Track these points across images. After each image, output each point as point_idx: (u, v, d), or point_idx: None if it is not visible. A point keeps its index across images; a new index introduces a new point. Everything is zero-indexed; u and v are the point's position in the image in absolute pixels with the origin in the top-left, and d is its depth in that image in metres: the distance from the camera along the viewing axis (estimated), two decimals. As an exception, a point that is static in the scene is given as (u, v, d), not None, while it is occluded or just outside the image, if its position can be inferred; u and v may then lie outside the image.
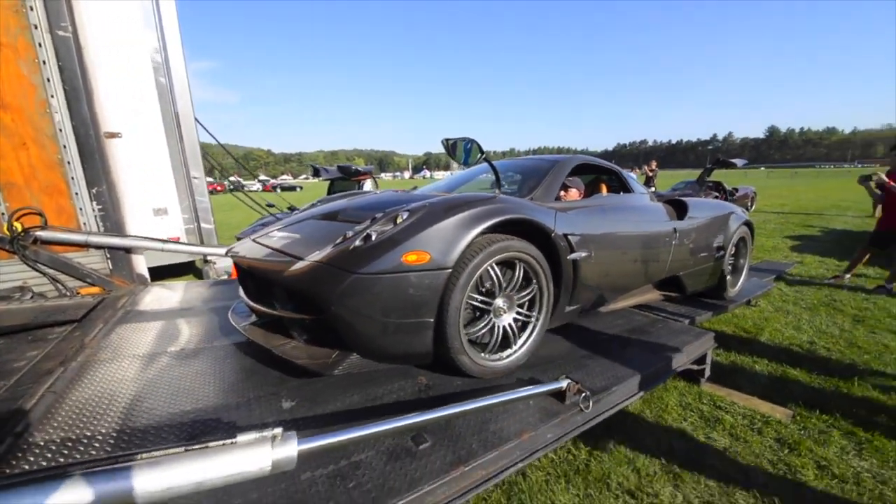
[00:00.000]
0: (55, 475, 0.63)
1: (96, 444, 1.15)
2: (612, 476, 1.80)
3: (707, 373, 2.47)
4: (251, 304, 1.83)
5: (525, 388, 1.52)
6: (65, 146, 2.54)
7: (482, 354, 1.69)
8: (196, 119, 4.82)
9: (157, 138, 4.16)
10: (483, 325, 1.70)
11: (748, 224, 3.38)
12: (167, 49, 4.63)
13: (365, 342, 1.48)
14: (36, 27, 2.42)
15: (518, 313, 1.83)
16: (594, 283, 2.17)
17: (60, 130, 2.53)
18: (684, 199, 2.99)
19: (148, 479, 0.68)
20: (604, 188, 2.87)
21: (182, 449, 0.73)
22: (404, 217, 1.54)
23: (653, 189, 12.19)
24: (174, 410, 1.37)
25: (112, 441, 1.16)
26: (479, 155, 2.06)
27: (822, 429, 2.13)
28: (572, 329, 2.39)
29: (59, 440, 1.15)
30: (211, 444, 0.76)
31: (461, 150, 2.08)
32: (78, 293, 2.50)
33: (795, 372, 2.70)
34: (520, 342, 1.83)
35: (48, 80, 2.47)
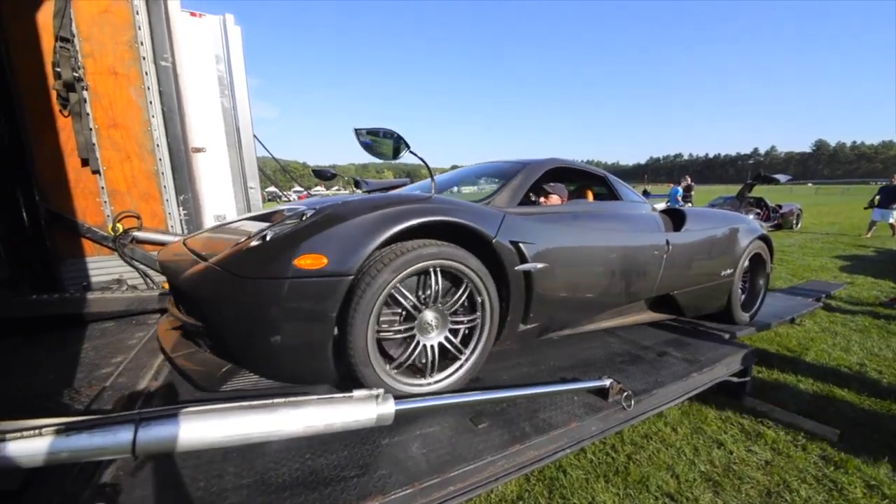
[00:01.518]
0: (217, 409, 0.85)
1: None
2: (651, 479, 1.87)
3: (748, 387, 2.48)
4: (169, 306, 1.69)
5: (570, 384, 1.65)
6: (160, 159, 2.95)
7: (413, 380, 1.47)
8: (254, 135, 5.34)
9: (223, 152, 4.63)
10: (408, 345, 1.46)
11: (764, 239, 2.99)
12: (232, 73, 5.20)
13: (251, 357, 1.31)
14: (144, 58, 2.86)
15: (453, 331, 1.58)
16: (557, 299, 1.88)
17: (157, 146, 2.94)
18: (683, 209, 2.73)
19: (288, 418, 0.89)
20: (589, 195, 2.63)
21: (315, 398, 0.93)
22: (308, 215, 1.37)
23: (689, 205, 11.90)
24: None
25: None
26: (404, 148, 1.72)
27: (873, 449, 2.11)
28: (608, 337, 2.49)
29: (188, 398, 1.41)
30: (336, 395, 0.96)
31: (382, 144, 1.72)
32: (163, 287, 2.86)
33: (843, 392, 2.65)
34: (456, 365, 1.59)
35: (150, 102, 2.89)
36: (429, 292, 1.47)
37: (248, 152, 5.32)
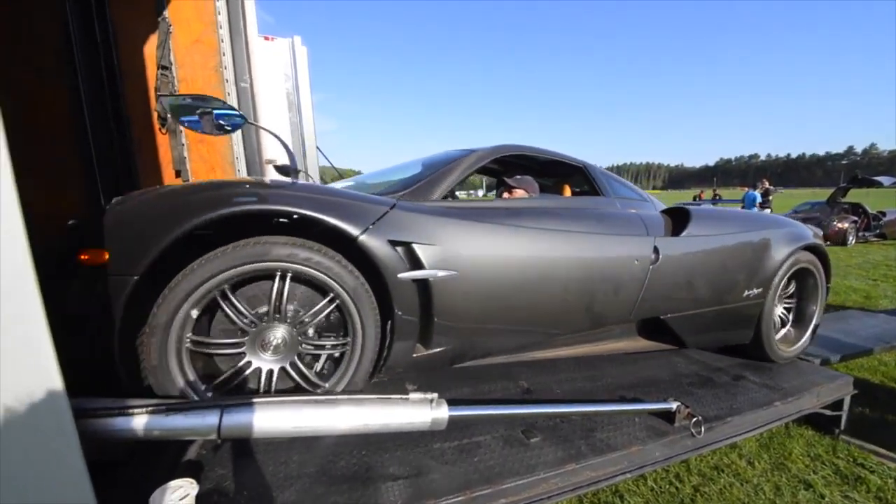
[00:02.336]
0: (287, 401, 0.91)
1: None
2: (723, 516, 1.69)
3: (843, 423, 2.16)
4: None
5: (631, 404, 1.55)
6: (238, 170, 3.27)
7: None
8: (318, 147, 5.76)
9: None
10: (235, 364, 1.21)
11: (814, 250, 2.26)
12: (299, 90, 5.68)
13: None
14: (227, 81, 3.20)
15: (308, 353, 1.30)
16: (476, 318, 1.52)
17: (237, 158, 3.27)
18: (689, 208, 2.15)
19: (349, 414, 0.93)
20: (566, 190, 2.24)
21: (374, 397, 0.97)
22: (113, 203, 1.15)
23: (768, 211, 10.69)
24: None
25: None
26: (236, 120, 1.45)
27: None
28: (675, 356, 2.30)
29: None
30: (393, 396, 0.99)
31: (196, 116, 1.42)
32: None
33: (973, 439, 2.21)
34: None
35: (231, 120, 3.23)
36: (276, 303, 1.20)
37: (311, 162, 5.73)
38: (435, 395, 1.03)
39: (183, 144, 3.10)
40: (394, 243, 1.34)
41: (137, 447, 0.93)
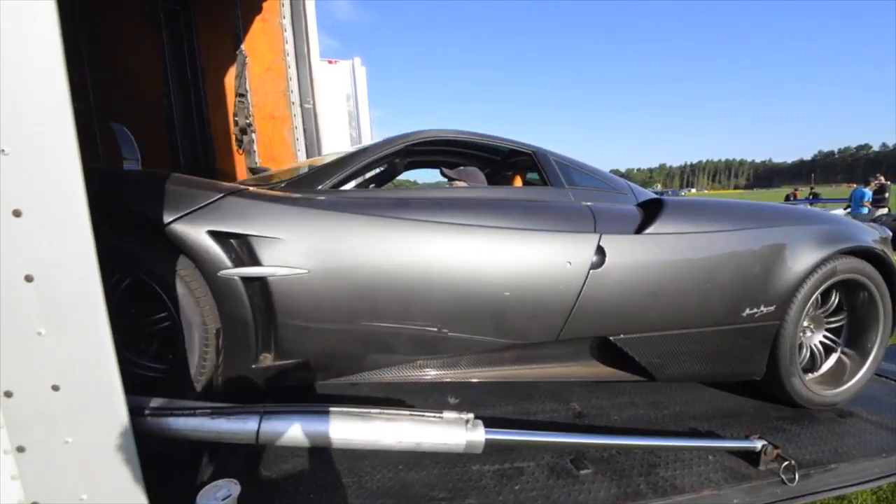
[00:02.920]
0: (319, 411, 0.92)
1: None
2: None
3: None
4: None
5: (704, 440, 1.35)
6: (301, 184, 3.55)
7: None
8: None
9: (349, 176, 5.36)
10: None
11: (868, 255, 1.69)
12: (358, 107, 6.02)
13: None
14: (294, 103, 3.48)
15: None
16: (338, 324, 1.31)
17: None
18: (667, 198, 1.70)
19: (382, 429, 0.92)
20: (517, 181, 1.93)
21: (407, 413, 0.95)
22: None
23: (882, 212, 8.90)
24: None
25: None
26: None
27: None
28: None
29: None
30: (427, 413, 0.96)
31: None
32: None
33: None
34: None
35: (297, 139, 3.50)
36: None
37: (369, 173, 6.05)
38: (471, 415, 0.98)
39: (256, 162, 3.44)
40: (218, 235, 1.16)
41: (196, 447, 1.01)
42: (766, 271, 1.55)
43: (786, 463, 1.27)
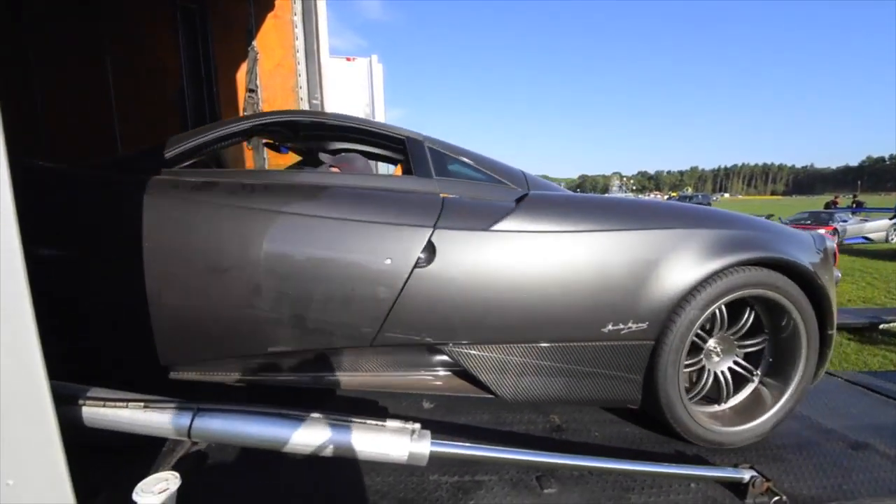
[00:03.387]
0: (266, 413, 0.89)
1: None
2: None
3: None
4: None
5: (683, 467, 1.24)
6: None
7: None
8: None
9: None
10: None
11: (790, 270, 1.42)
12: (374, 102, 6.08)
13: None
14: (302, 99, 3.52)
15: None
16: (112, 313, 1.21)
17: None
18: (535, 192, 1.50)
19: (320, 434, 0.88)
20: (399, 171, 1.84)
21: (349, 419, 0.91)
22: None
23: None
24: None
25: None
26: None
27: None
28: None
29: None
30: (369, 421, 0.92)
31: None
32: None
33: None
34: None
35: (304, 134, 3.55)
36: None
37: (382, 169, 6.10)
38: (417, 425, 0.93)
39: (265, 158, 3.50)
40: None
41: (150, 439, 1.01)
42: (638, 281, 1.32)
43: (776, 498, 1.16)
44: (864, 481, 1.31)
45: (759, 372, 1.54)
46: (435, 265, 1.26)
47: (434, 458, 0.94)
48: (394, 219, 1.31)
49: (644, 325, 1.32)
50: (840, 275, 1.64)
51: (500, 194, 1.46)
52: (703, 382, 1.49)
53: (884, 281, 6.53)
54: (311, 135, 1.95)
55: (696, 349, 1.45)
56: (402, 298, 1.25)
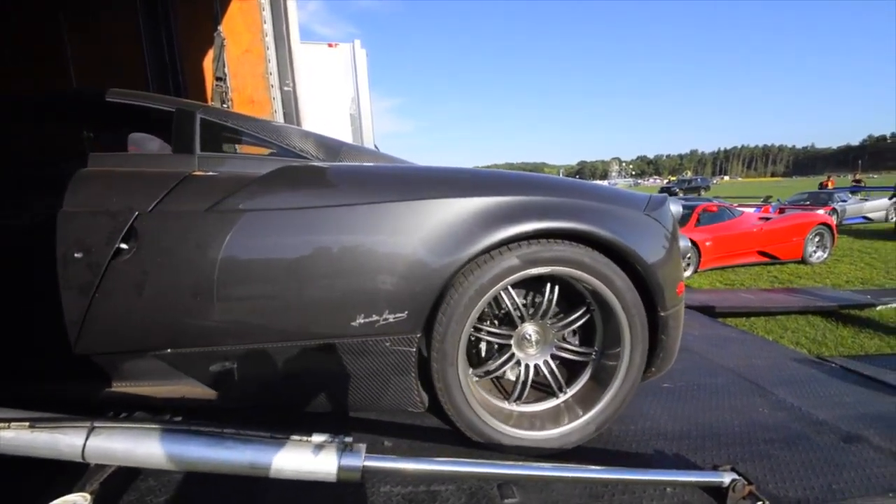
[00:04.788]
0: (177, 429, 0.78)
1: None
2: None
3: None
4: None
5: (661, 472, 1.15)
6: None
7: None
8: (375, 145, 5.96)
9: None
10: None
11: (596, 240, 1.18)
12: (358, 88, 5.93)
13: None
14: (273, 86, 3.35)
15: None
16: None
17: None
18: (291, 165, 1.27)
19: (233, 451, 0.78)
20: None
21: (266, 435, 0.80)
22: None
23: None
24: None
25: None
26: None
27: None
28: (756, 394, 1.74)
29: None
30: (293, 437, 0.81)
31: None
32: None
33: None
34: None
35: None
36: None
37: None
38: (348, 438, 0.82)
39: (236, 149, 3.37)
40: None
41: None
42: (391, 263, 1.09)
43: (759, 503, 1.06)
44: (855, 479, 1.21)
45: (591, 358, 1.34)
46: (135, 255, 1.06)
47: (372, 473, 0.84)
48: (98, 204, 1.09)
49: (403, 316, 1.10)
50: (688, 243, 1.35)
51: (270, 167, 1.22)
52: (515, 377, 1.31)
53: (883, 261, 6.41)
54: (88, 116, 1.72)
55: (503, 339, 1.28)
56: (99, 296, 1.04)
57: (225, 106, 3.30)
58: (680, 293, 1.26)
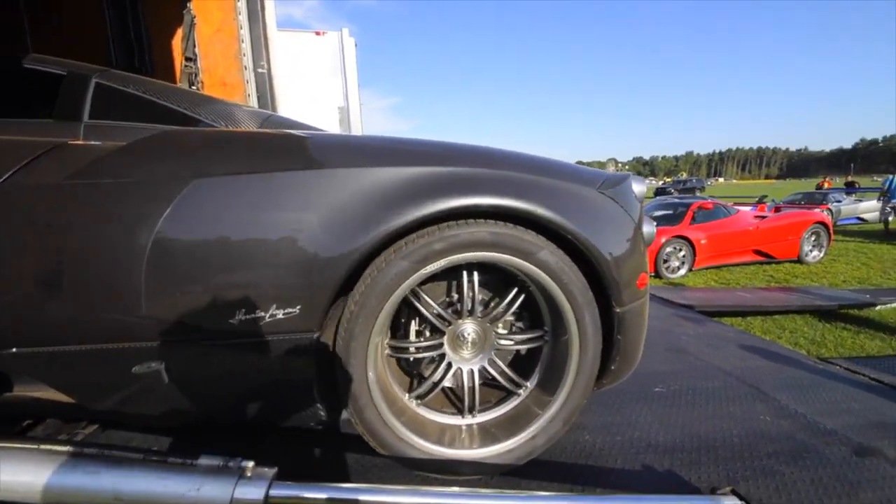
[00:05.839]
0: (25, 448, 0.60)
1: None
2: None
3: None
4: None
5: (648, 498, 0.97)
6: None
7: None
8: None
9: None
10: None
11: (535, 221, 0.97)
12: (346, 77, 5.77)
13: None
14: (246, 68, 3.15)
15: None
16: None
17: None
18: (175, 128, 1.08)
19: (96, 477, 0.59)
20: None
21: (140, 456, 0.62)
22: None
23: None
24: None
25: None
26: None
27: None
28: (757, 401, 1.57)
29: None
30: (174, 459, 0.63)
31: None
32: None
33: None
34: None
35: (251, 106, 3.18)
36: None
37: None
38: (249, 462, 0.64)
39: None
40: None
41: None
42: (279, 247, 0.90)
43: (764, 532, 0.89)
44: (874, 500, 1.05)
45: (535, 375, 1.11)
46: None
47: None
48: None
49: (295, 311, 0.90)
50: (654, 229, 1.11)
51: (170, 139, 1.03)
52: (460, 385, 1.10)
53: (879, 261, 6.32)
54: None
55: (435, 338, 1.07)
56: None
57: (194, 88, 3.10)
58: (642, 286, 1.06)
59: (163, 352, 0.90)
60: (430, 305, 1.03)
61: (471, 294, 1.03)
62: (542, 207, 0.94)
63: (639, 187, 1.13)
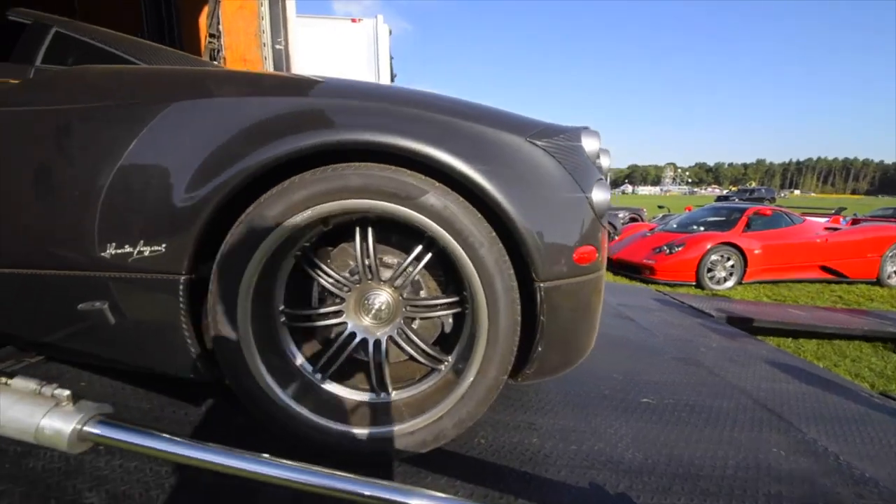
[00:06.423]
0: None
1: None
2: None
3: None
4: None
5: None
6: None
7: None
8: None
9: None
10: None
11: (433, 166, 0.81)
12: (379, 62, 5.85)
13: None
14: (265, 45, 3.21)
15: None
16: None
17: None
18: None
19: None
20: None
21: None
22: None
23: None
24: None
25: None
26: None
27: None
28: (767, 425, 1.28)
29: None
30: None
31: None
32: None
33: None
34: None
35: (269, 83, 3.24)
36: None
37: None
38: (66, 392, 0.55)
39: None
40: None
41: None
42: (146, 178, 0.85)
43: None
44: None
45: (456, 350, 0.95)
46: None
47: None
48: None
49: (161, 250, 0.84)
50: (608, 196, 0.88)
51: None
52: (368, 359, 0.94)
53: None
54: None
55: (334, 304, 0.93)
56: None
57: (215, 63, 3.20)
58: (584, 262, 0.86)
59: (43, 280, 0.91)
60: (323, 269, 0.90)
61: (367, 255, 0.88)
62: (431, 146, 0.79)
63: (591, 144, 0.92)
